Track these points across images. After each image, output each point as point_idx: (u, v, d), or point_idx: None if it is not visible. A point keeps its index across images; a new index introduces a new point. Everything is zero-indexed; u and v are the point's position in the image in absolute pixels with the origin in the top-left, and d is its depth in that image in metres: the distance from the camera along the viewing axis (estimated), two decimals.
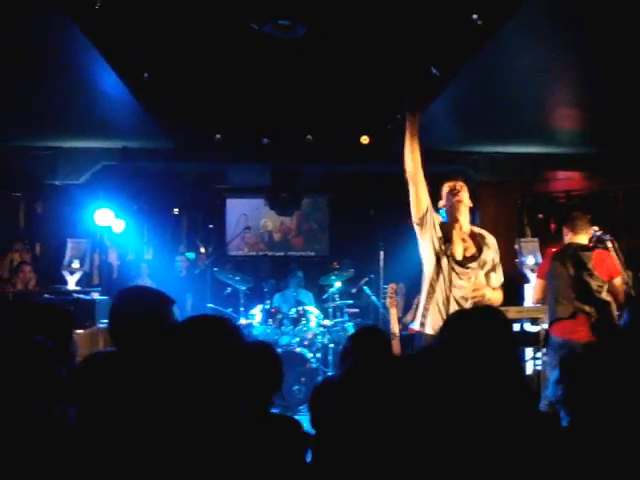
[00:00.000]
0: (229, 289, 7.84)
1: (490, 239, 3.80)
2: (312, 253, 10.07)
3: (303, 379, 6.62)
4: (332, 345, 7.09)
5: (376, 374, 2.01)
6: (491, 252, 3.76)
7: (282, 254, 10.05)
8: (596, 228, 4.59)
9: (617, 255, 4.37)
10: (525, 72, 5.19)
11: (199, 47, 4.85)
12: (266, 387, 2.57)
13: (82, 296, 6.20)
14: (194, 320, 1.87)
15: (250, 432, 1.83)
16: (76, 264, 6.91)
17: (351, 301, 7.73)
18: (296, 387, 6.53)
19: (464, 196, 3.81)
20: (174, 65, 5.23)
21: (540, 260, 7.69)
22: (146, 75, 5.07)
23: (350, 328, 7.24)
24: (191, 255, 9.28)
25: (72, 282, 6.81)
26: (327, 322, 7.29)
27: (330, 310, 7.42)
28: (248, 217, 10.00)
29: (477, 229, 3.89)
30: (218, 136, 7.06)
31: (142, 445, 1.69)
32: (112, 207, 7.60)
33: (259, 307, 7.33)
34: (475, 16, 4.16)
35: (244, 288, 7.39)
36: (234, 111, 6.49)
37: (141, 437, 1.71)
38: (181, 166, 8.35)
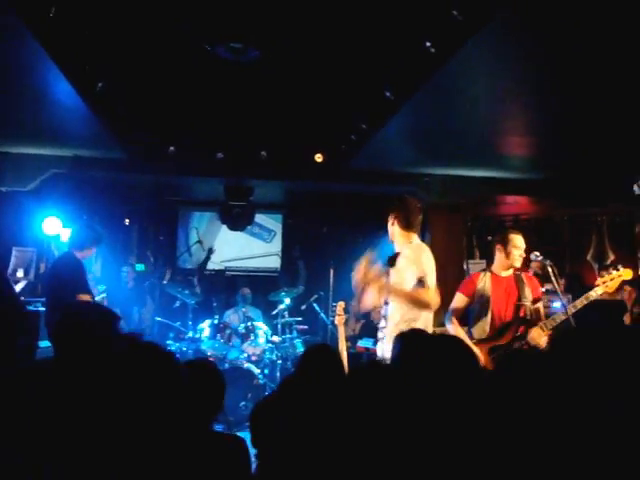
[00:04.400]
0: (178, 303, 7.77)
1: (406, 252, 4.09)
2: (265, 269, 10.05)
3: (250, 395, 6.59)
4: (280, 361, 7.08)
5: (319, 392, 2.03)
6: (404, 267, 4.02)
7: (233, 269, 10.00)
8: (537, 253, 4.65)
9: (556, 280, 4.45)
10: (476, 99, 5.32)
11: (155, 60, 4.84)
12: (208, 405, 2.56)
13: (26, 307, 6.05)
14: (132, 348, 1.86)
15: (191, 451, 1.83)
16: (20, 273, 6.74)
17: (300, 318, 7.75)
18: (243, 403, 6.48)
19: (392, 231, 4.29)
20: (129, 76, 5.20)
21: None
22: (100, 85, 5.02)
23: (299, 345, 7.25)
24: (140, 267, 9.15)
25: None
26: (276, 338, 7.29)
27: (279, 326, 7.42)
28: (199, 231, 9.93)
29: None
30: (172, 148, 7.02)
31: (79, 465, 1.66)
32: (60, 216, 7.45)
33: (208, 322, 7.28)
34: (428, 43, 4.28)
35: (193, 302, 7.33)
36: (189, 124, 6.48)
37: (78, 454, 1.69)
38: (133, 177, 8.25)
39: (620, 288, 6.60)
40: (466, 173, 7.93)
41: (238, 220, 8.24)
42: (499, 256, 4.56)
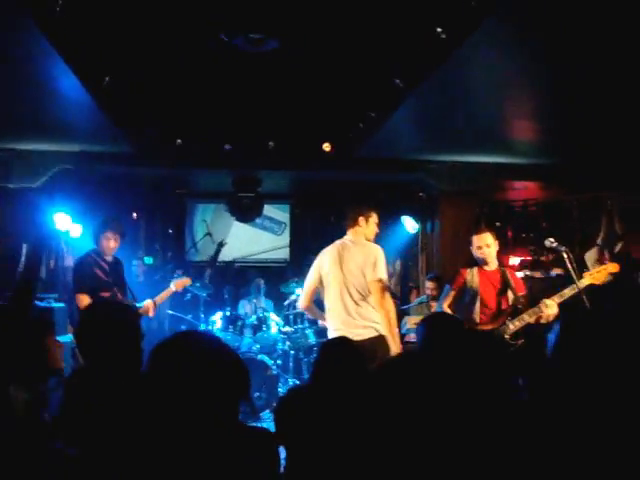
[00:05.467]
0: (189, 295, 7.77)
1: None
2: (275, 260, 10.03)
3: (264, 386, 6.60)
4: (293, 352, 7.09)
5: (346, 386, 2.01)
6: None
7: (243, 260, 9.98)
8: (552, 239, 4.73)
9: (571, 266, 4.49)
10: (486, 84, 5.27)
11: (162, 53, 4.80)
12: (234, 395, 2.55)
13: (38, 303, 6.06)
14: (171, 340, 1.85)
15: (225, 443, 1.81)
16: None
17: None
18: (257, 394, 6.50)
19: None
20: (136, 69, 5.16)
21: None
22: (107, 79, 4.99)
23: (311, 335, 7.26)
24: (149, 260, 9.15)
25: None
26: (288, 329, 7.29)
27: (291, 317, 7.42)
28: (208, 223, 9.92)
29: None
30: (179, 141, 6.99)
31: (124, 462, 1.66)
32: (69, 211, 7.44)
33: (219, 314, 7.29)
34: (439, 29, 4.23)
35: (204, 294, 7.33)
36: (196, 116, 6.44)
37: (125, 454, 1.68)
38: (141, 171, 8.23)
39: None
40: (475, 159, 7.87)
41: (247, 211, 8.21)
42: None
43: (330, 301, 4.65)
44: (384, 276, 4.53)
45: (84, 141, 7.09)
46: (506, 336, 4.63)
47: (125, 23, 4.28)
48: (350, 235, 4.85)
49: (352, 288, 4.54)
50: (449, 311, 4.89)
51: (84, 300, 4.93)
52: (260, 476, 1.88)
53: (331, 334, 4.54)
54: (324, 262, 4.77)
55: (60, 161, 7.42)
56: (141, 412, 1.68)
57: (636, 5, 3.55)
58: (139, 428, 1.66)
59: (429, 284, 7.41)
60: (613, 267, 4.75)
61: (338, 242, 4.87)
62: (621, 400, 1.93)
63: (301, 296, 4.96)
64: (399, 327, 7.30)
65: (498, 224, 9.32)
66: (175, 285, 5.95)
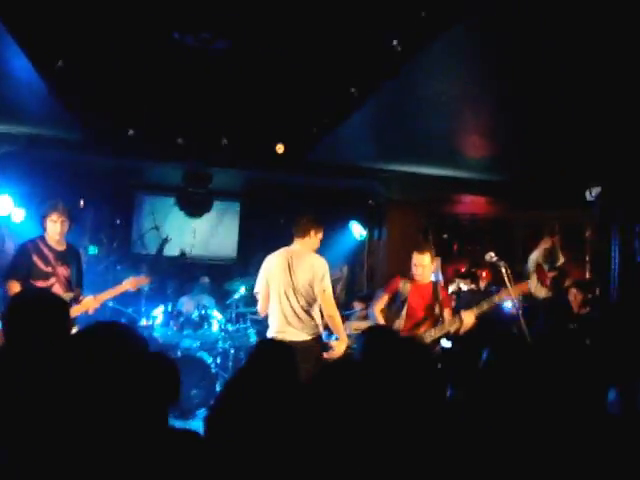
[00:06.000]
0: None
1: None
2: (221, 257, 9.98)
3: (202, 383, 6.56)
4: (233, 351, 7.07)
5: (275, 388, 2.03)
6: None
7: (189, 256, 9.90)
8: (492, 254, 4.90)
9: (509, 281, 4.65)
10: (439, 98, 5.38)
11: (119, 42, 4.74)
12: (163, 398, 2.53)
13: None
14: (94, 328, 1.83)
15: (149, 448, 1.80)
16: None
17: (254, 308, 7.71)
18: (194, 391, 6.45)
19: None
20: (91, 56, 5.07)
21: (441, 278, 7.99)
22: (60, 63, 4.89)
23: (252, 334, 7.25)
24: (93, 250, 8.99)
25: None
26: (229, 327, 7.26)
27: (233, 315, 7.40)
28: (156, 217, 9.79)
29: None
30: (131, 131, 6.89)
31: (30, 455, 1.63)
32: (12, 195, 7.25)
33: (161, 308, 7.21)
34: (395, 42, 4.30)
35: (147, 288, 7.25)
36: (150, 108, 6.37)
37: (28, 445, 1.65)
38: (91, 159, 8.08)
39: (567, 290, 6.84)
40: (425, 171, 8.01)
41: (196, 207, 8.16)
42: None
43: (276, 305, 4.89)
44: (330, 288, 4.93)
45: (34, 124, 6.94)
46: (426, 342, 4.92)
47: (81, 7, 4.21)
48: (299, 245, 5.06)
49: (299, 295, 4.84)
50: (380, 315, 5.23)
51: (13, 288, 4.75)
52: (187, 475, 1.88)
53: (276, 335, 4.80)
54: (272, 268, 4.97)
55: (7, 143, 7.24)
56: (53, 407, 1.65)
57: (585, 26, 3.68)
58: (52, 423, 1.63)
59: (357, 304, 7.64)
60: (524, 287, 5.19)
61: (286, 250, 5.07)
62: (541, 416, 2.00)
63: (260, 303, 5.10)
64: None
65: (445, 236, 9.51)
66: (130, 283, 5.38)
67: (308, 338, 4.80)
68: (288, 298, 4.84)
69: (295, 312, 4.81)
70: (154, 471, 1.71)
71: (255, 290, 5.11)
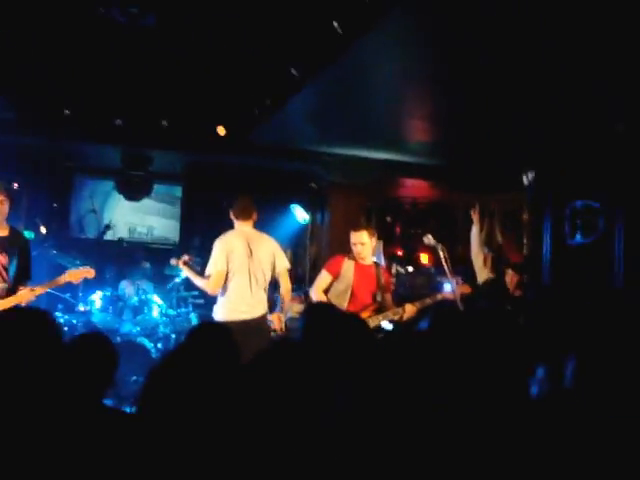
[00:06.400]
0: None
1: None
2: (163, 241, 9.81)
3: (142, 369, 6.45)
4: (174, 335, 6.99)
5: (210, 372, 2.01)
6: None
7: (129, 240, 9.71)
8: (430, 237, 4.98)
9: (446, 264, 4.74)
10: (381, 81, 5.40)
11: (48, 16, 4.57)
12: (98, 379, 2.49)
13: None
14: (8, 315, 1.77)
15: (80, 427, 1.77)
16: None
17: (196, 292, 7.61)
18: (134, 378, 6.35)
19: None
20: (23, 30, 4.87)
21: (383, 261, 8.07)
22: None
23: (194, 319, 7.19)
24: (30, 234, 8.70)
25: None
26: (171, 312, 7.17)
27: (174, 300, 7.31)
28: (94, 200, 9.54)
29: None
30: (67, 111, 6.68)
31: None
32: None
33: (99, 293, 7.06)
34: (336, 24, 4.28)
35: None
36: (87, 87, 6.18)
37: None
38: (26, 140, 7.80)
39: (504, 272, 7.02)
40: (367, 154, 8.04)
41: (136, 190, 7.99)
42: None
43: (237, 285, 5.07)
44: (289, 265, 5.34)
45: None
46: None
47: None
48: (247, 226, 5.23)
49: (260, 274, 5.12)
50: (324, 296, 5.18)
51: None
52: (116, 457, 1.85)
53: (233, 314, 5.02)
54: (233, 249, 5.10)
55: None
56: None
57: (519, 9, 3.73)
58: None
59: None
60: (465, 289, 5.23)
61: (241, 232, 5.21)
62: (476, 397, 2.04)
63: (216, 282, 5.08)
64: None
65: (388, 219, 9.58)
66: (71, 275, 5.02)
67: (262, 314, 5.14)
68: (250, 277, 5.08)
69: (253, 290, 5.09)
70: (84, 449, 1.68)
71: (212, 270, 5.10)
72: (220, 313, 5.14)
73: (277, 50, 4.88)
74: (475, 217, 7.50)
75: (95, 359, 2.48)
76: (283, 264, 5.23)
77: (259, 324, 5.05)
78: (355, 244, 5.16)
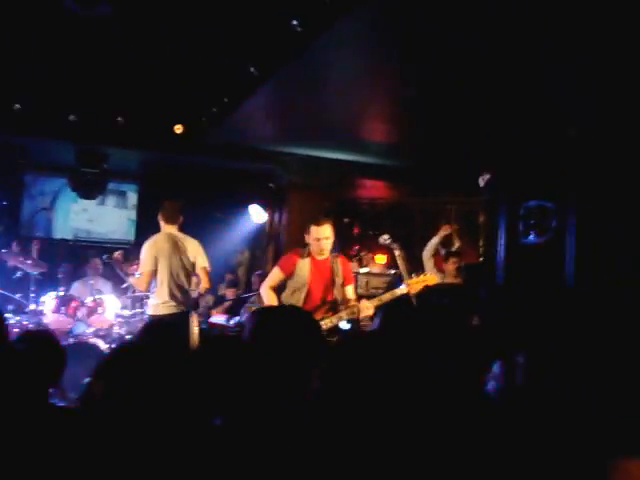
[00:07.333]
0: (19, 273, 7.26)
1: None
2: (117, 240, 9.64)
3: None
4: (129, 336, 6.86)
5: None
6: None
7: (83, 239, 9.52)
8: (386, 236, 4.96)
9: (403, 263, 4.74)
10: (338, 82, 5.40)
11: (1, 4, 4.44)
12: (43, 377, 2.42)
13: None
14: None
15: (26, 425, 1.72)
16: None
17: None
18: (87, 380, 6.21)
19: None
20: None
21: None
22: None
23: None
24: None
25: None
26: (126, 312, 7.05)
27: (130, 300, 7.18)
28: (48, 197, 9.34)
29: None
30: (17, 106, 6.50)
31: None
32: None
33: (52, 294, 6.89)
34: (295, 22, 4.27)
35: (36, 273, 6.90)
36: (38, 81, 6.03)
37: None
38: None
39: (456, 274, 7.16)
40: (326, 155, 8.04)
41: (90, 188, 7.82)
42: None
43: (164, 282, 5.55)
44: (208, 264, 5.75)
45: None
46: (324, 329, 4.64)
47: None
48: (174, 229, 5.70)
49: (185, 273, 5.64)
50: (272, 293, 4.89)
51: None
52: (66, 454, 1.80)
53: (160, 307, 5.55)
54: (162, 249, 5.58)
55: None
56: None
57: (478, 10, 3.77)
58: None
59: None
60: (432, 279, 4.99)
61: (168, 234, 5.66)
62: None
63: (146, 281, 5.61)
64: (239, 315, 7.49)
65: (346, 220, 9.61)
66: None
67: (184, 309, 5.57)
68: (178, 276, 5.57)
69: (180, 288, 5.58)
70: (30, 446, 1.63)
71: (141, 270, 5.59)
72: (152, 308, 5.73)
73: (236, 48, 4.85)
74: (444, 231, 7.57)
75: (40, 357, 2.42)
76: (204, 263, 5.67)
77: (183, 318, 5.43)
78: (319, 239, 4.81)
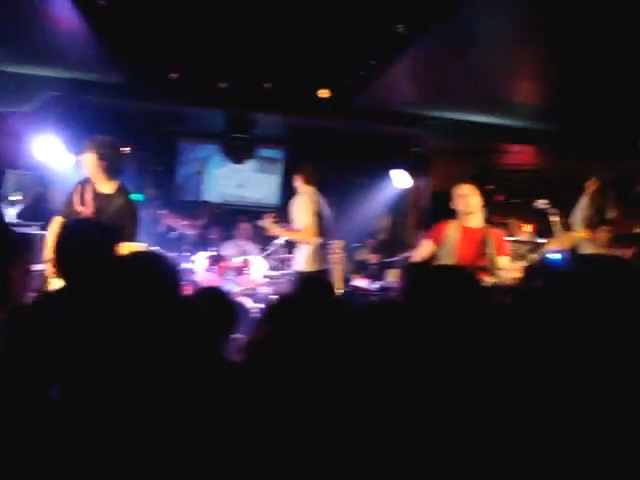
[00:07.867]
0: (174, 233, 7.71)
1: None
2: (264, 204, 9.94)
3: (242, 329, 6.60)
4: (274, 296, 7.08)
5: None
6: None
7: (234, 203, 9.91)
8: (544, 201, 4.67)
9: (560, 230, 4.47)
10: (488, 40, 5.17)
11: None
12: (218, 332, 2.56)
13: (17, 229, 5.90)
14: (137, 258, 1.79)
15: (204, 378, 1.78)
16: (16, 196, 6.64)
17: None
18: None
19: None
20: None
21: None
22: (101, 2, 4.82)
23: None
24: (138, 196, 9.03)
25: (12, 215, 6.54)
26: (273, 273, 7.28)
27: (276, 262, 7.40)
28: (200, 162, 9.81)
29: None
30: (174, 75, 6.82)
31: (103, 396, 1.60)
32: (58, 140, 7.28)
33: (204, 253, 7.25)
34: None
35: (190, 233, 7.29)
36: (192, 51, 6.27)
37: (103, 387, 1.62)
38: (133, 104, 8.05)
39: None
40: (472, 118, 7.78)
41: (239, 153, 8.09)
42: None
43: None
44: None
45: (76, 68, 6.91)
46: None
47: None
48: (314, 190, 5.81)
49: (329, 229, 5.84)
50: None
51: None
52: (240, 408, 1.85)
53: (314, 264, 5.68)
54: (314, 205, 5.75)
55: (50, 87, 7.23)
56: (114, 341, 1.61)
57: None
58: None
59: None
60: (584, 234, 4.79)
61: (312, 193, 5.80)
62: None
63: (311, 231, 5.63)
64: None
65: (490, 187, 9.27)
66: None
67: (328, 267, 5.76)
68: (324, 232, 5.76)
69: (325, 245, 5.80)
70: (204, 400, 1.68)
71: (306, 222, 5.62)
72: (302, 264, 5.71)
73: (383, 7, 4.74)
74: (591, 188, 7.03)
75: (216, 311, 2.55)
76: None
77: (328, 276, 5.66)
78: (461, 197, 4.69)
